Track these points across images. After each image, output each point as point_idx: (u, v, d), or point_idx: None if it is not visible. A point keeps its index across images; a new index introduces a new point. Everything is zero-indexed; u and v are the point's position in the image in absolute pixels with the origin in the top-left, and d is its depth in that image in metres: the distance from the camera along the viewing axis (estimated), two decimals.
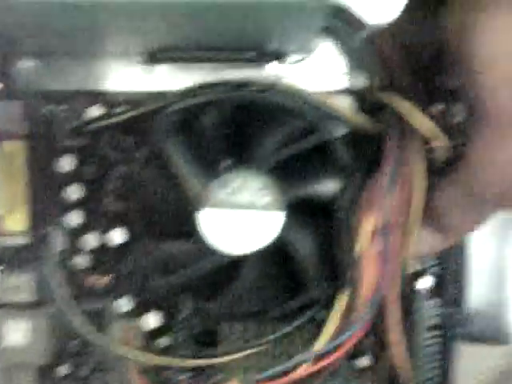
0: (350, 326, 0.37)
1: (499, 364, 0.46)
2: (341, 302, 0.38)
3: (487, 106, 0.32)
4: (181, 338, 0.48)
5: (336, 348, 0.37)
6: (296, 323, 0.42)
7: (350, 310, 0.38)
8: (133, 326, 0.46)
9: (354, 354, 0.48)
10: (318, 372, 0.37)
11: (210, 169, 0.40)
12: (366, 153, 0.41)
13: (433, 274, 0.48)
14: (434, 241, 0.38)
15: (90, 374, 0.50)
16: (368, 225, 0.38)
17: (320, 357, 0.37)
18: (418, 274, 0.48)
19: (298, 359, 0.36)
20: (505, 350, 0.45)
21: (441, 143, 0.37)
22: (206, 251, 0.40)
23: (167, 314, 0.48)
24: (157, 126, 0.40)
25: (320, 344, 0.37)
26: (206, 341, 0.48)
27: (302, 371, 0.36)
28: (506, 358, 0.45)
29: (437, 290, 0.49)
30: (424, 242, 0.39)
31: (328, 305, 0.40)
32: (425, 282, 0.48)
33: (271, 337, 0.43)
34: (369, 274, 0.39)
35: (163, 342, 0.48)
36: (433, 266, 0.49)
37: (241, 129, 0.41)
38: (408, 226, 0.39)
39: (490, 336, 0.49)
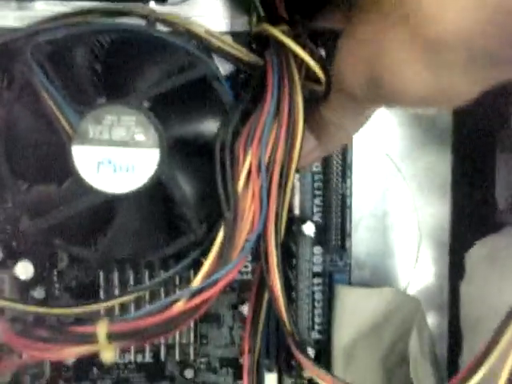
0: (227, 264, 0.36)
1: (379, 307, 0.46)
2: (218, 240, 0.37)
3: None
4: (57, 291, 0.46)
5: (212, 285, 0.36)
6: (175, 269, 0.41)
7: (227, 248, 0.37)
8: (3, 278, 0.43)
9: (240, 301, 0.48)
10: (195, 309, 0.36)
11: (84, 104, 0.38)
12: (246, 90, 0.40)
13: (315, 222, 0.48)
14: (311, 147, 0.38)
15: None
16: (247, 162, 0.38)
17: (196, 294, 0.36)
18: (301, 220, 0.47)
19: (175, 296, 0.35)
20: (384, 293, 0.46)
21: (320, 76, 0.36)
22: (81, 192, 0.38)
23: (41, 265, 0.46)
24: (24, 58, 0.38)
25: (197, 281, 0.36)
26: (83, 292, 0.46)
27: (178, 308, 0.35)
28: (384, 302, 0.46)
29: (320, 238, 0.49)
30: (306, 151, 0.38)
31: (206, 244, 0.39)
32: (309, 228, 0.48)
33: (149, 283, 0.42)
34: (247, 212, 0.38)
35: (38, 294, 0.46)
36: (316, 213, 0.49)
37: (118, 62, 0.39)
38: (289, 163, 0.38)
39: (371, 282, 0.50)
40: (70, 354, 0.34)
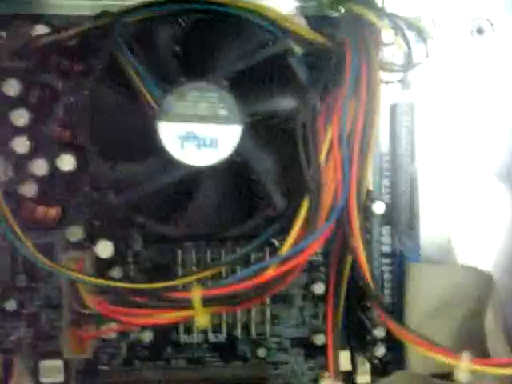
0: (313, 233, 0.37)
1: (451, 284, 0.46)
2: (303, 211, 0.37)
3: None
4: (133, 271, 0.47)
5: (299, 253, 0.36)
6: (255, 243, 0.42)
7: (311, 219, 0.38)
8: (84, 257, 0.45)
9: (310, 281, 0.49)
10: (284, 276, 0.36)
11: (168, 82, 0.39)
12: (322, 69, 0.41)
13: (385, 202, 0.49)
14: None
15: (38, 310, 0.48)
16: (328, 136, 0.38)
17: (285, 261, 0.36)
18: (372, 198, 0.48)
19: (266, 262, 0.36)
20: (457, 270, 0.46)
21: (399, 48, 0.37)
22: (165, 166, 0.39)
23: (120, 246, 0.47)
24: (111, 38, 0.39)
25: (284, 249, 0.37)
26: (158, 273, 0.47)
27: (269, 274, 0.35)
28: (457, 278, 0.46)
29: (389, 217, 0.49)
30: None
31: (286, 218, 0.40)
32: (379, 207, 0.48)
33: (230, 258, 0.42)
34: (329, 183, 0.39)
35: (116, 273, 0.47)
36: (386, 194, 0.49)
37: (199, 42, 0.40)
38: (367, 137, 0.39)
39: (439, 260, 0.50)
40: (166, 319, 0.35)
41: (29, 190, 0.45)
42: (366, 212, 0.48)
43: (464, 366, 0.31)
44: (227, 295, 0.35)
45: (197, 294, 0.34)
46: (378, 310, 0.35)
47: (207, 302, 0.35)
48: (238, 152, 0.39)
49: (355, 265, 0.37)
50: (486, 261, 0.50)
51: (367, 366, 0.48)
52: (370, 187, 0.47)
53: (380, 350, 0.49)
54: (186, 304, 0.35)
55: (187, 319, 0.35)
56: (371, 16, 0.38)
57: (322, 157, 0.38)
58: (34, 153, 0.45)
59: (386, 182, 0.50)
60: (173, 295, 0.35)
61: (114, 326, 0.38)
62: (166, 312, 0.35)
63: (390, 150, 0.49)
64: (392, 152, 0.49)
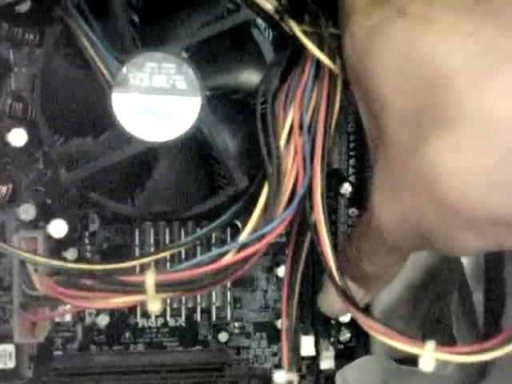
0: (272, 220, 0.35)
1: (419, 268, 0.45)
2: (263, 196, 0.36)
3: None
4: (88, 253, 0.45)
5: (259, 240, 0.35)
6: (214, 224, 0.40)
7: (272, 204, 0.36)
8: (36, 237, 0.42)
9: (274, 264, 0.47)
10: (242, 262, 0.35)
11: (124, 52, 0.37)
12: (288, 47, 0.39)
13: (351, 183, 0.47)
14: (359, 296, 0.36)
15: None
16: (288, 120, 0.37)
17: (244, 247, 0.35)
18: (339, 179, 0.46)
19: (224, 248, 0.34)
20: (424, 254, 0.45)
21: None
22: (120, 141, 0.37)
23: (74, 226, 0.45)
24: (63, 4, 0.36)
25: (244, 235, 0.35)
26: (114, 254, 0.46)
27: (227, 260, 0.34)
28: (425, 262, 0.45)
29: (355, 199, 0.48)
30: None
31: (247, 201, 0.38)
32: (345, 188, 0.47)
33: (190, 238, 0.41)
34: (290, 169, 0.37)
35: (70, 255, 0.45)
36: (352, 174, 0.48)
37: (158, 10, 0.38)
38: (327, 125, 0.37)
39: None
40: (117, 303, 0.33)
41: None
42: (332, 193, 0.46)
43: (427, 354, 0.29)
44: (184, 280, 0.33)
45: (150, 279, 0.32)
46: (341, 296, 0.34)
47: (162, 286, 0.33)
48: (197, 127, 0.37)
49: (317, 242, 0.36)
50: None
51: (331, 351, 0.47)
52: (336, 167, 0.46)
53: (345, 335, 0.47)
54: (139, 288, 0.33)
55: (139, 304, 0.33)
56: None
57: (282, 141, 0.36)
58: None
59: (352, 162, 0.48)
60: (124, 279, 0.33)
61: (66, 308, 0.36)
62: (117, 296, 0.33)
63: (357, 129, 0.47)
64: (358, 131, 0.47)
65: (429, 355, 0.30)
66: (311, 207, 0.36)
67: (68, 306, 0.37)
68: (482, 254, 0.50)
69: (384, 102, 0.30)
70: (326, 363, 0.46)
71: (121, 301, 0.33)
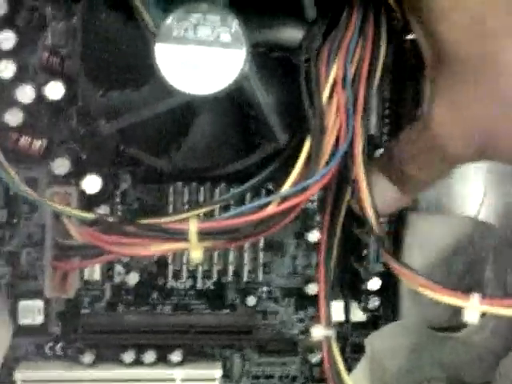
0: (314, 174, 0.35)
1: (452, 235, 0.45)
2: (305, 150, 0.36)
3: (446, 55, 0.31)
4: (120, 211, 0.45)
5: (300, 192, 0.35)
6: (252, 182, 0.40)
7: (314, 158, 0.36)
8: (70, 192, 0.42)
9: (304, 229, 0.47)
10: (284, 214, 0.35)
11: (168, 2, 0.37)
12: (331, 3, 0.38)
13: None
14: (394, 196, 0.37)
15: (18, 249, 0.46)
16: (331, 76, 0.36)
17: (286, 199, 0.34)
18: (375, 145, 0.46)
19: (267, 199, 0.34)
20: (459, 221, 0.45)
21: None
22: (161, 93, 0.37)
23: (107, 184, 0.45)
24: None
25: (286, 187, 0.35)
26: (145, 214, 0.45)
27: (269, 210, 0.33)
28: (458, 229, 0.45)
29: None
30: (384, 199, 0.37)
31: (285, 159, 0.38)
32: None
33: (225, 196, 0.40)
34: (332, 125, 0.37)
35: (102, 211, 0.45)
36: (386, 141, 0.48)
37: None
38: (370, 82, 0.37)
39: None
40: (159, 250, 0.33)
41: (13, 118, 0.42)
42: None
43: (473, 305, 0.29)
44: (226, 229, 0.33)
45: (193, 226, 0.32)
46: (380, 248, 0.33)
47: (204, 235, 0.33)
48: (239, 82, 0.37)
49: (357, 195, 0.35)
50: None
51: (361, 315, 0.46)
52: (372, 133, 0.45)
53: (373, 303, 0.47)
54: (181, 236, 0.33)
55: (180, 251, 0.33)
56: None
57: (325, 97, 0.36)
58: (20, 79, 0.42)
59: (386, 130, 0.48)
60: (168, 226, 0.33)
61: (101, 257, 0.36)
62: (159, 243, 0.33)
63: (393, 97, 0.47)
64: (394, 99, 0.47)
65: (475, 307, 0.30)
66: (352, 162, 0.36)
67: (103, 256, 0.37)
68: None
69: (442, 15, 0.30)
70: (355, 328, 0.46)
71: (163, 248, 0.33)
